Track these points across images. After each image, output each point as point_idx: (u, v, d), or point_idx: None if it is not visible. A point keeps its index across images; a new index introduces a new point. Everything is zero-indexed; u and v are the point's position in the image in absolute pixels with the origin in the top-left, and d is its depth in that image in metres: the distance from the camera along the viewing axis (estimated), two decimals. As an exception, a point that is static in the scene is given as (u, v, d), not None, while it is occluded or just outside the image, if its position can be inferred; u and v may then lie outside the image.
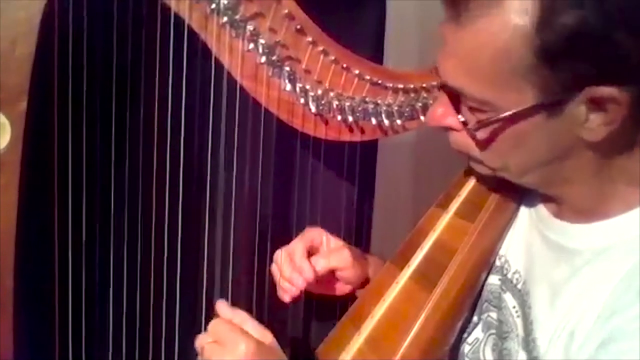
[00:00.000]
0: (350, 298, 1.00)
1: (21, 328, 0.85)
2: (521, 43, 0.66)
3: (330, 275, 0.98)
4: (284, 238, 0.98)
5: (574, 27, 0.63)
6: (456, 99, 0.74)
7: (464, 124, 0.74)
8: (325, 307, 1.06)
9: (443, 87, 0.76)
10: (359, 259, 0.98)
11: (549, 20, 0.64)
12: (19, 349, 0.84)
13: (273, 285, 0.97)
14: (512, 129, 0.71)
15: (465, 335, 0.91)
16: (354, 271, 0.97)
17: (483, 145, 0.75)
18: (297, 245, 0.95)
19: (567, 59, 0.65)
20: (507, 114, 0.69)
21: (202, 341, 0.80)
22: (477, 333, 0.91)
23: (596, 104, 0.67)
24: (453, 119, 0.76)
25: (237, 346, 0.77)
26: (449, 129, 0.78)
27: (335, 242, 0.97)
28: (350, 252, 0.97)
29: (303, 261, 0.94)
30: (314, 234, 0.97)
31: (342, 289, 1.00)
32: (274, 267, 0.96)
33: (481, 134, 0.73)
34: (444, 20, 0.71)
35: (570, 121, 0.69)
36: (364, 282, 0.99)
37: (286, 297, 0.94)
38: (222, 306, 0.82)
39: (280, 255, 0.95)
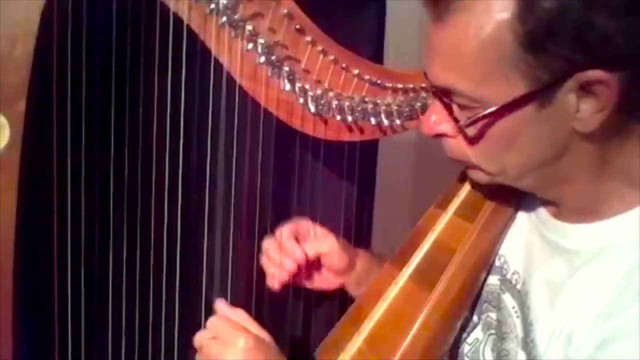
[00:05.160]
0: (349, 298, 1.00)
1: (20, 330, 0.85)
2: (505, 32, 0.66)
3: (318, 266, 0.98)
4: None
5: (554, 11, 0.64)
6: (448, 105, 0.74)
7: (456, 121, 0.74)
8: (325, 308, 1.06)
9: (434, 93, 0.76)
10: (346, 248, 0.99)
11: (530, 6, 0.64)
12: (18, 350, 0.84)
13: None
14: (503, 123, 0.70)
15: (464, 335, 0.91)
16: (341, 259, 0.97)
17: (477, 147, 0.74)
18: (285, 232, 0.96)
19: (550, 44, 0.65)
20: (497, 106, 0.69)
21: (201, 338, 0.80)
22: (477, 333, 0.91)
23: (585, 90, 0.67)
24: (447, 126, 0.76)
25: (237, 342, 0.77)
26: (443, 136, 0.78)
27: (321, 231, 0.98)
28: (337, 241, 0.97)
29: (294, 245, 0.95)
30: (300, 223, 0.98)
31: (330, 281, 1.00)
32: (263, 256, 0.96)
33: (473, 132, 0.73)
34: (428, 22, 0.71)
35: (561, 113, 0.69)
36: (351, 273, 0.99)
37: (275, 283, 0.95)
38: (221, 304, 0.83)
39: (269, 242, 0.96)
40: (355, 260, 1.00)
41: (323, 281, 1.01)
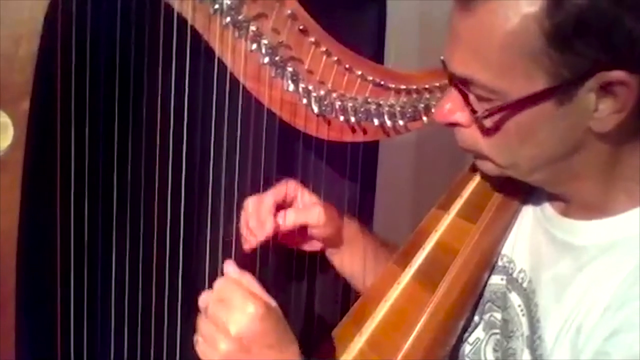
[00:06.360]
0: (351, 298, 1.00)
1: (22, 329, 0.85)
2: (531, 26, 0.66)
3: (302, 230, 0.97)
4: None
5: (583, 9, 0.64)
6: (465, 94, 0.74)
7: (473, 111, 0.73)
8: (327, 307, 1.06)
9: (451, 81, 0.76)
10: (333, 219, 0.98)
11: (559, 2, 0.64)
12: (20, 349, 0.84)
13: (276, 285, 0.97)
14: (520, 117, 0.70)
15: (466, 335, 0.91)
16: (325, 230, 0.97)
17: (492, 138, 0.74)
18: (267, 198, 0.95)
19: (576, 42, 0.65)
20: (516, 98, 0.69)
21: (206, 299, 0.77)
22: (478, 333, 0.91)
23: (606, 90, 0.67)
24: (461, 115, 0.76)
25: (246, 307, 0.74)
26: (456, 125, 0.78)
27: (309, 198, 0.97)
28: (324, 211, 0.96)
29: (268, 216, 0.93)
30: (288, 188, 0.97)
31: (312, 245, 1.00)
32: (242, 215, 0.95)
33: (489, 124, 0.72)
34: (453, 9, 0.71)
35: (579, 111, 0.69)
36: (338, 242, 0.99)
37: (246, 246, 0.94)
38: (231, 267, 0.79)
39: (249, 203, 0.95)
40: (341, 231, 0.99)
41: (307, 244, 1.00)
